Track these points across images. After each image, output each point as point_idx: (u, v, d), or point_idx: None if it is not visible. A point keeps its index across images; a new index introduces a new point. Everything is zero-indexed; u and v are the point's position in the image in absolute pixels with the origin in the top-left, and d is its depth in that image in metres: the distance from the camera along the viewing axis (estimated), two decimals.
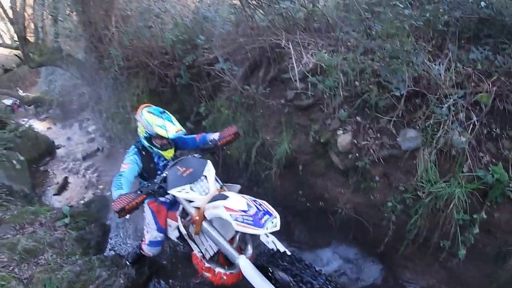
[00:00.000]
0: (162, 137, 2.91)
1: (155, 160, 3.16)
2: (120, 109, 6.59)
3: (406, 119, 3.03)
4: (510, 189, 2.63)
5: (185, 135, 3.03)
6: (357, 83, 3.21)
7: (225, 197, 2.33)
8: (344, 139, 3.16)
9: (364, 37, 3.43)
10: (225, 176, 4.72)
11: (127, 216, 2.49)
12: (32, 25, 9.10)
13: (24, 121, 12.19)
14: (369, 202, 3.22)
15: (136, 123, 3.05)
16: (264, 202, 2.35)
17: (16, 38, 9.20)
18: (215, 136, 3.14)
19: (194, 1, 6.02)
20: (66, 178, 7.82)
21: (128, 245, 5.14)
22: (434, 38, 3.41)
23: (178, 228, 3.06)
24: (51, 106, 14.89)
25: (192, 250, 2.78)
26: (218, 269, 2.52)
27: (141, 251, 3.65)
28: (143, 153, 3.08)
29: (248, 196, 2.39)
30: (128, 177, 2.83)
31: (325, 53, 3.47)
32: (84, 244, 4.77)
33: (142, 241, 3.56)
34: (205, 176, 2.59)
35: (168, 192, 2.55)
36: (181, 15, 5.38)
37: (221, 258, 2.78)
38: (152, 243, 3.33)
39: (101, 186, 6.93)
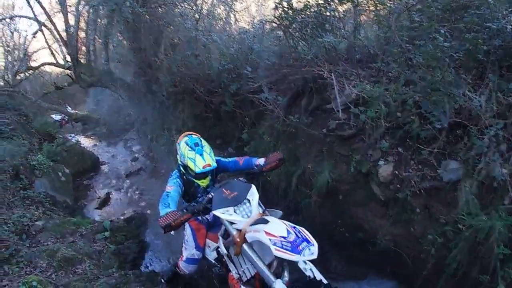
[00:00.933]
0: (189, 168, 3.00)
1: (195, 184, 3.23)
2: (165, 131, 6.85)
3: (447, 150, 3.02)
4: None
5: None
6: (398, 114, 3.25)
7: (266, 222, 2.39)
8: (385, 170, 3.19)
9: (405, 68, 3.48)
10: (262, 201, 4.77)
11: (172, 232, 2.60)
12: (84, 48, 9.66)
13: (71, 136, 12.81)
14: (408, 234, 3.18)
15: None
16: (303, 229, 2.37)
17: (68, 59, 9.74)
18: (260, 161, 3.17)
19: (239, 32, 6.30)
20: (108, 194, 8.03)
21: (164, 263, 5.23)
22: (474, 68, 3.38)
23: (217, 249, 3.15)
24: (97, 124, 15.61)
25: (229, 271, 2.83)
26: None
27: (177, 269, 3.69)
28: (184, 177, 3.18)
29: (288, 223, 2.43)
30: (174, 197, 2.95)
31: (367, 84, 3.53)
32: (121, 258, 4.89)
33: (179, 258, 3.61)
34: (249, 200, 2.65)
35: (213, 212, 2.63)
36: (227, 46, 5.65)
37: (257, 283, 2.80)
38: (189, 260, 3.38)
39: (142, 204, 7.09)
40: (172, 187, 3.03)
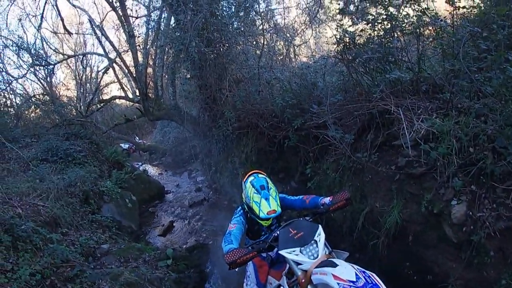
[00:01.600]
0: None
1: (259, 223, 3.20)
2: (229, 164, 7.05)
3: None
4: None
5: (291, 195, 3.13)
6: (471, 149, 3.08)
7: (334, 265, 2.30)
8: (458, 210, 3.01)
9: (475, 100, 3.34)
10: (326, 239, 4.66)
11: (236, 269, 2.61)
12: (152, 83, 10.23)
13: (138, 164, 13.53)
14: (481, 279, 2.95)
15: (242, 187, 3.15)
16: (374, 275, 2.26)
17: (137, 93, 10.37)
18: (326, 200, 3.11)
19: (300, 67, 6.45)
20: (171, 222, 8.31)
21: None
22: None
23: (278, 287, 3.11)
24: (164, 154, 16.40)
25: None
26: None
27: None
28: (248, 215, 3.14)
29: (358, 267, 2.32)
30: (237, 235, 2.94)
31: (435, 117, 3.42)
32: (181, 286, 5.05)
33: None
34: (315, 241, 2.57)
35: (279, 252, 2.58)
36: (289, 81, 5.79)
37: None
38: None
39: (204, 235, 7.23)
40: (236, 225, 3.04)
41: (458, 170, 3.14)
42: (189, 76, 8.26)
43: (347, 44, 4.15)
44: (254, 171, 3.18)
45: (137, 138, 19.19)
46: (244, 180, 3.06)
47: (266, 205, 2.87)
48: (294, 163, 5.31)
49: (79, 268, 4.28)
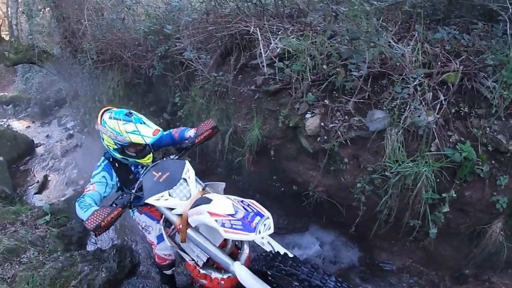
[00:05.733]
0: (137, 144, 2.51)
1: (133, 169, 2.79)
2: (97, 103, 6.52)
3: (373, 101, 3.06)
4: (479, 167, 2.69)
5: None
6: (324, 66, 3.22)
7: (208, 201, 2.14)
8: (312, 122, 3.18)
9: (332, 21, 3.45)
10: (203, 166, 4.70)
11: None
12: (6, 23, 8.95)
13: (2, 121, 11.99)
14: (339, 184, 3.25)
15: (100, 134, 2.59)
16: (253, 201, 2.18)
17: None
18: (190, 133, 2.86)
19: None
20: (46, 176, 7.78)
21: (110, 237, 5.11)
22: (402, 21, 3.44)
23: None
24: (29, 104, 14.59)
25: (184, 259, 2.57)
26: (214, 275, 2.32)
27: (160, 266, 3.22)
28: (116, 164, 2.69)
29: (234, 197, 2.22)
30: (95, 197, 2.47)
31: (293, 38, 3.47)
32: (65, 240, 4.82)
33: (154, 254, 3.20)
34: (185, 179, 2.35)
35: (145, 202, 2.30)
36: (153, 6, 5.34)
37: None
38: (160, 237, 2.90)
39: (81, 182, 6.86)
40: (96, 186, 2.53)
41: (312, 86, 3.29)
42: (40, 7, 7.11)
43: None
44: (106, 108, 2.64)
45: None
46: (100, 122, 2.51)
47: (146, 128, 2.46)
48: (164, 94, 5.06)
49: None
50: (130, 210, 3.00)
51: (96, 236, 2.20)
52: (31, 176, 8.14)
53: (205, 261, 2.38)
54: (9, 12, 8.74)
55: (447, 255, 3.18)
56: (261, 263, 2.08)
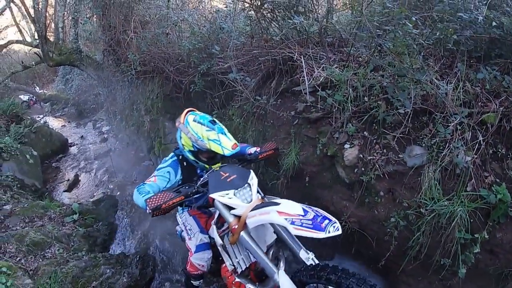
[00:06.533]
0: (212, 152, 2.56)
1: (199, 172, 2.88)
2: (134, 111, 6.73)
3: (412, 136, 3.05)
4: None
5: None
6: (366, 98, 3.25)
7: (276, 204, 2.17)
8: (350, 153, 3.20)
9: (375, 54, 3.48)
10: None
11: (158, 216, 2.28)
12: (52, 25, 9.37)
13: (39, 117, 12.50)
14: (373, 217, 3.23)
15: (178, 132, 2.71)
16: (319, 209, 2.18)
17: (36, 36, 9.38)
18: (252, 150, 3.03)
19: (211, 11, 6.17)
20: (77, 176, 8.04)
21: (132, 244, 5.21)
22: (444, 57, 3.45)
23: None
24: (66, 104, 15.20)
25: (223, 263, 2.62)
26: (248, 285, 2.40)
27: (190, 274, 3.13)
28: (185, 163, 2.81)
29: (302, 204, 2.24)
30: (154, 188, 2.61)
31: (336, 67, 3.52)
32: (90, 241, 4.94)
33: (187, 261, 3.13)
34: (249, 184, 2.42)
35: (210, 195, 2.37)
36: (198, 24, 5.51)
37: (252, 274, 2.65)
38: (200, 247, 2.93)
39: (111, 186, 7.05)
40: (158, 179, 2.67)
41: (353, 117, 3.31)
42: (89, 15, 7.45)
43: None
44: (189, 109, 2.77)
45: (38, 88, 17.35)
46: (182, 121, 2.64)
47: (227, 140, 2.54)
48: (202, 110, 5.08)
49: None
50: (181, 208, 3.12)
51: (153, 216, 2.27)
52: (62, 174, 8.45)
53: (243, 268, 2.47)
54: (57, 15, 9.09)
55: None
56: (307, 273, 2.07)
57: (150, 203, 2.20)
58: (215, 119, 2.67)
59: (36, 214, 5.15)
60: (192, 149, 2.64)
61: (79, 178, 7.96)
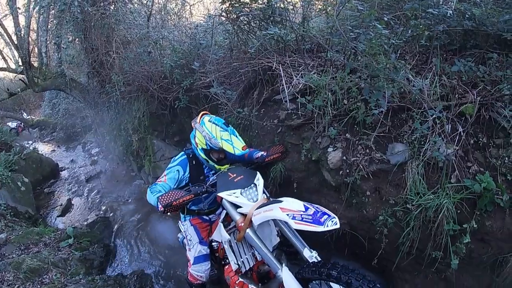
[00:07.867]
0: (223, 152, 2.82)
1: (206, 171, 3.08)
2: (122, 131, 6.74)
3: (393, 134, 3.11)
4: (499, 197, 2.67)
5: None
6: (345, 101, 3.30)
7: (279, 201, 2.33)
8: (334, 156, 3.23)
9: (351, 57, 3.56)
10: None
11: (169, 214, 2.55)
12: (36, 50, 9.37)
13: (28, 143, 12.44)
14: (362, 217, 3.27)
15: (193, 131, 2.95)
16: (320, 206, 2.34)
17: (20, 63, 9.29)
18: (259, 154, 3.22)
19: (191, 27, 6.25)
20: (69, 200, 7.99)
21: (131, 265, 5.19)
22: (419, 53, 3.54)
23: (210, 243, 3.13)
24: (54, 129, 15.11)
25: (225, 265, 2.79)
26: (251, 286, 2.55)
27: (191, 284, 3.32)
28: (194, 162, 3.01)
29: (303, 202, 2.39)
30: (165, 187, 2.80)
31: (314, 73, 3.58)
32: (87, 264, 4.94)
33: (187, 271, 3.34)
34: (255, 185, 2.61)
35: (218, 194, 2.55)
36: (179, 41, 5.59)
37: (254, 275, 2.78)
38: (198, 259, 3.15)
39: (103, 208, 7.04)
40: (168, 179, 2.87)
41: (334, 120, 3.35)
42: (70, 39, 7.49)
43: (231, 2, 4.05)
44: (204, 112, 2.99)
45: (25, 114, 17.22)
46: (198, 121, 2.87)
47: (238, 141, 2.79)
48: (188, 124, 5.22)
49: None
50: (183, 216, 3.29)
51: (163, 213, 2.44)
52: (55, 199, 8.42)
53: (247, 268, 2.63)
54: (39, 40, 9.14)
55: (469, 286, 3.12)
56: (309, 270, 2.17)
57: (162, 200, 2.40)
58: (228, 123, 2.91)
59: (31, 240, 5.17)
60: (205, 147, 2.85)
61: (72, 202, 7.93)
